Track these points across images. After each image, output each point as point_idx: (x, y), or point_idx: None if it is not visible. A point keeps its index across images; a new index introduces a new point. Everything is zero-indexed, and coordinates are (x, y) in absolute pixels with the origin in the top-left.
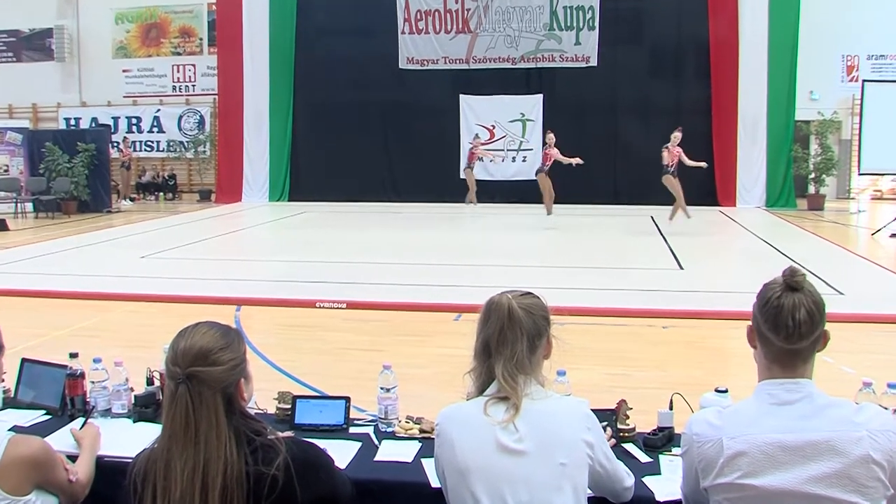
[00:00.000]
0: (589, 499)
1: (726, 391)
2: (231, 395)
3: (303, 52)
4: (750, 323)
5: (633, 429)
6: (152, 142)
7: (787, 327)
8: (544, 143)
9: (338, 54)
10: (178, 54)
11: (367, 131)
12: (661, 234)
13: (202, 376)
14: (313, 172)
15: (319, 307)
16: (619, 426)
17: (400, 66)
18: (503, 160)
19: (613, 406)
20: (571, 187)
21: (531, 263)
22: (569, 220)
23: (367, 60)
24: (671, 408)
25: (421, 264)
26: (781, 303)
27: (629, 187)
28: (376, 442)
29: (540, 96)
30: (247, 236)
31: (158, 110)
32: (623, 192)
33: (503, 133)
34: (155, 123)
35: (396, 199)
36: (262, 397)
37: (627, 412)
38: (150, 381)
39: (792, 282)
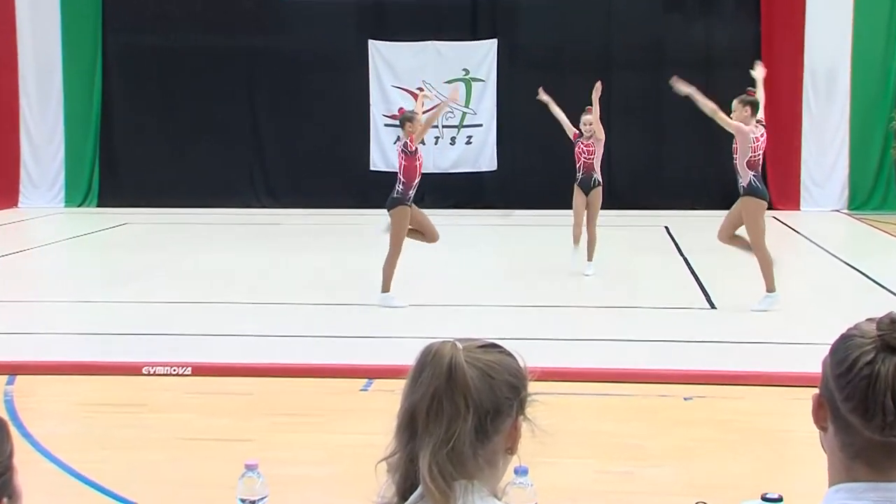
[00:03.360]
0: None
1: (780, 500)
2: None
3: None
4: (818, 392)
5: None
6: None
7: (885, 412)
8: (580, 135)
9: None
10: None
11: (224, 99)
12: (681, 254)
13: None
14: (138, 163)
15: (148, 374)
16: None
17: None
18: (437, 141)
19: None
20: (543, 184)
21: (486, 301)
22: (542, 234)
23: None
24: None
25: (310, 304)
26: (876, 372)
27: (632, 183)
28: None
29: (493, 43)
30: (27, 263)
31: None
32: (622, 190)
33: (437, 100)
34: None
35: (272, 203)
36: None
37: None
38: None
39: (892, 338)
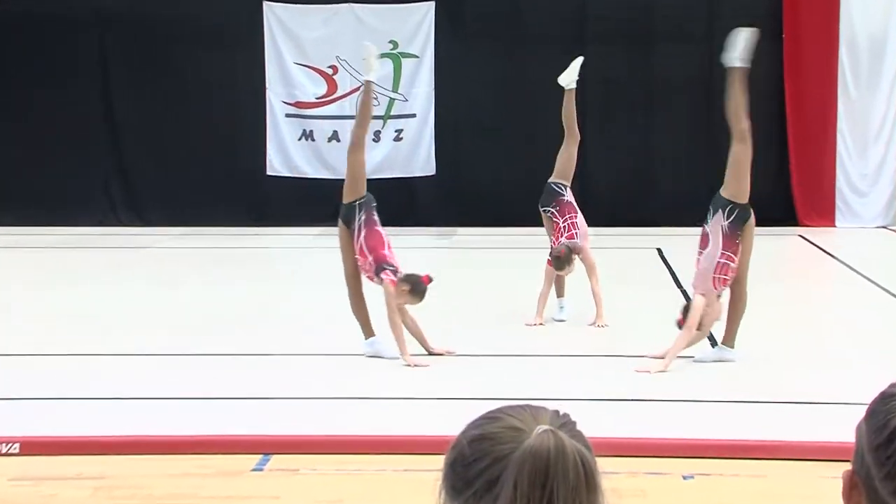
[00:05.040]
0: None
1: None
2: None
3: None
4: (850, 468)
5: None
6: None
7: None
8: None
9: None
10: None
11: (69, 82)
12: (678, 285)
13: None
14: None
15: None
16: None
17: None
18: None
19: None
20: (497, 194)
21: (422, 349)
22: (495, 260)
23: None
24: None
25: (183, 355)
26: None
27: (614, 193)
28: None
29: (429, 6)
30: None
31: None
32: (602, 201)
33: (356, 83)
34: None
35: (134, 220)
36: None
37: None
38: None
39: None
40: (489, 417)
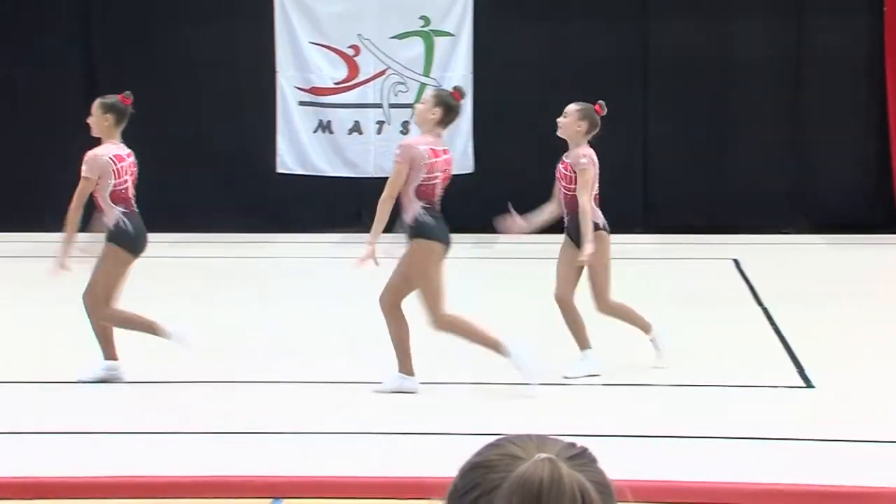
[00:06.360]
0: None
1: None
2: None
3: None
4: None
5: None
6: None
7: None
8: None
9: None
10: None
11: (45, 61)
12: (759, 303)
13: None
14: None
15: None
16: None
17: None
18: (380, 128)
19: None
20: (547, 197)
21: (449, 377)
22: (543, 273)
23: None
24: None
25: (160, 383)
26: None
27: (679, 193)
28: None
29: None
30: None
31: None
32: (664, 203)
33: (382, 66)
34: None
35: (39, 227)
36: None
37: None
38: None
39: None
40: (492, 444)
